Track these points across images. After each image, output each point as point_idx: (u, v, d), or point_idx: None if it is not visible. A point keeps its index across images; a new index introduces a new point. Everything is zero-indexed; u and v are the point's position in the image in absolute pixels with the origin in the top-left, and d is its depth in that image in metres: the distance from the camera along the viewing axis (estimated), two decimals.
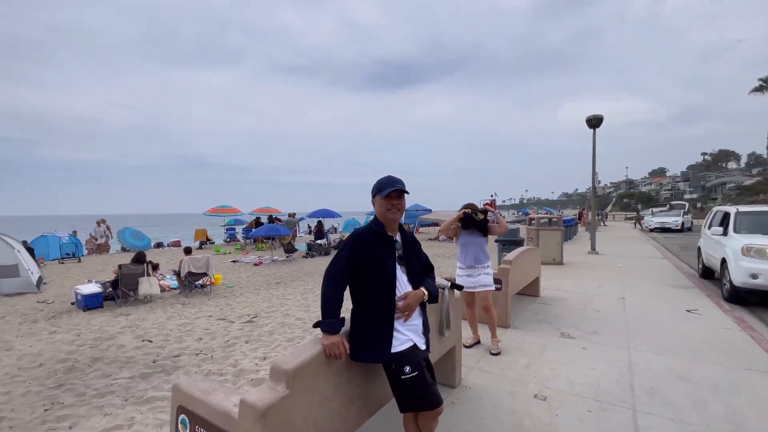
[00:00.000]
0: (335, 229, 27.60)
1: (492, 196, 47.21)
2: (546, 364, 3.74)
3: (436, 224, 25.60)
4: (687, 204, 29.48)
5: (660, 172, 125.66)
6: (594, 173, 12.10)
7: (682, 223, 24.50)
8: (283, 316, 6.44)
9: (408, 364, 1.89)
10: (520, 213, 58.21)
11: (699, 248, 9.22)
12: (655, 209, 31.66)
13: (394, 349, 1.92)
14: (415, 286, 2.06)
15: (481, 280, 3.89)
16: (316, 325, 1.91)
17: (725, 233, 7.16)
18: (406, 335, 1.98)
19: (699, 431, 2.60)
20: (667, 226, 24.25)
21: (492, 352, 3.96)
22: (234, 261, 13.78)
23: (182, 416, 1.76)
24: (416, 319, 2.04)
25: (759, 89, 31.31)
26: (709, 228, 8.14)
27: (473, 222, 3.90)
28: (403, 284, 2.01)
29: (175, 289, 8.99)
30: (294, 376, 1.60)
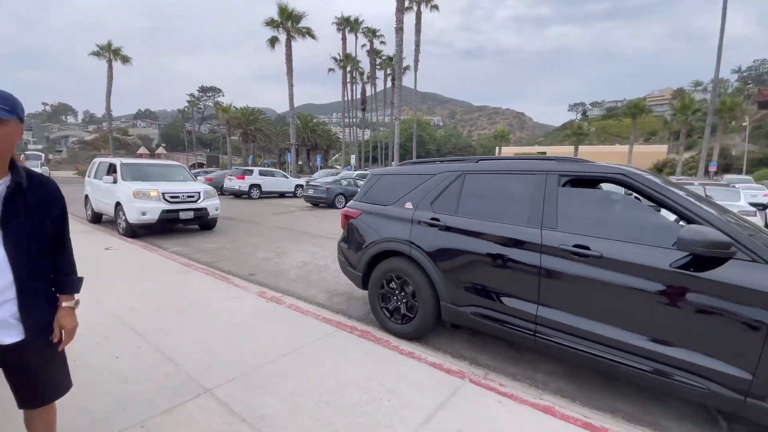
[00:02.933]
0: None
1: None
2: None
3: None
4: (43, 155, 28.28)
5: None
6: None
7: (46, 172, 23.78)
8: None
9: None
10: None
11: (86, 197, 10.01)
12: None
13: None
14: (17, 266, 1.38)
15: None
16: None
17: (115, 181, 8.50)
18: None
19: (173, 306, 3.79)
20: None
21: None
22: None
23: None
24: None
25: (96, 54, 34.85)
26: (98, 178, 9.17)
27: None
28: None
29: None
30: None
